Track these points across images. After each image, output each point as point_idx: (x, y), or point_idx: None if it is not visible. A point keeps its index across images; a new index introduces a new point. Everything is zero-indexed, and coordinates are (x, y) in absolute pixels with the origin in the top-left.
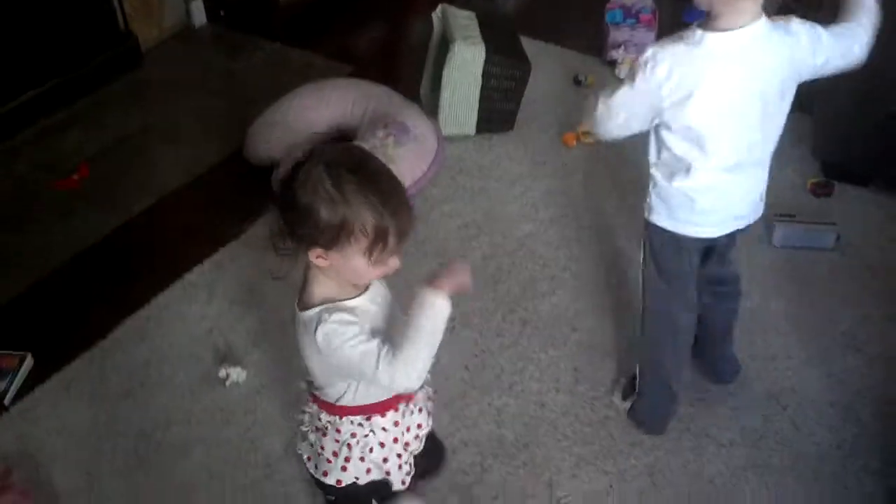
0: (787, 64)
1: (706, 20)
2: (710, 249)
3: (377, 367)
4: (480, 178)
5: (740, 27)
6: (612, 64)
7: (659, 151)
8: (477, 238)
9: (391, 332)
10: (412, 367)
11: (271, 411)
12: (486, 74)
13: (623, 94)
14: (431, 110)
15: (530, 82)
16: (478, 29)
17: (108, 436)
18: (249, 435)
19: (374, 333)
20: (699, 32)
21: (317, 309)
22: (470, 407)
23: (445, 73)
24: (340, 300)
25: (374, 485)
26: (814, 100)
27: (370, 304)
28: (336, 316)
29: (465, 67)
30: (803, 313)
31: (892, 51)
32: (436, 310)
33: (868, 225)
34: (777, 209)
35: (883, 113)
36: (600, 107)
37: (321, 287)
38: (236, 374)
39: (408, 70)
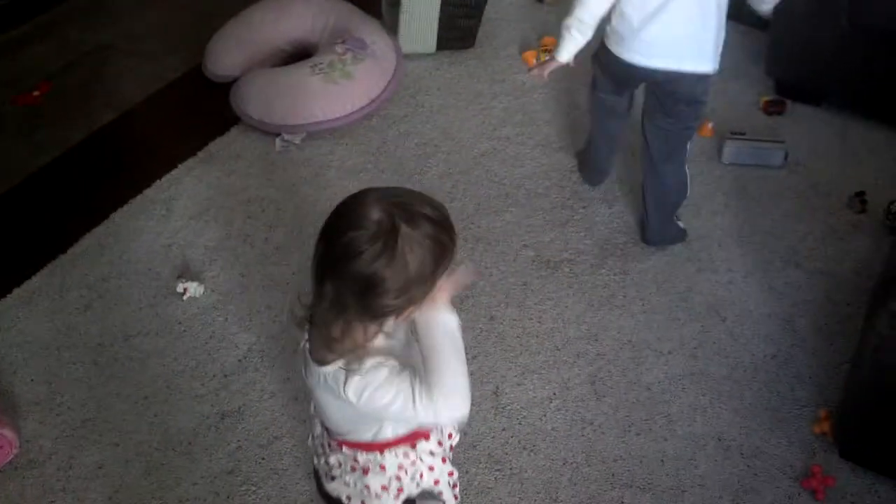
0: None
1: None
2: (653, 87)
3: (416, 408)
4: (439, 96)
5: None
6: None
7: None
8: (434, 156)
9: (413, 360)
10: (453, 396)
11: (228, 325)
12: None
13: None
14: (392, 27)
15: None
16: None
17: (68, 348)
18: (207, 347)
19: (402, 366)
20: None
21: (338, 363)
22: None
23: None
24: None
25: None
26: (768, 18)
27: (385, 338)
28: (364, 365)
29: None
30: (748, 228)
31: None
32: (447, 328)
33: (817, 143)
34: (728, 126)
35: (837, 31)
36: None
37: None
38: (194, 288)
39: None
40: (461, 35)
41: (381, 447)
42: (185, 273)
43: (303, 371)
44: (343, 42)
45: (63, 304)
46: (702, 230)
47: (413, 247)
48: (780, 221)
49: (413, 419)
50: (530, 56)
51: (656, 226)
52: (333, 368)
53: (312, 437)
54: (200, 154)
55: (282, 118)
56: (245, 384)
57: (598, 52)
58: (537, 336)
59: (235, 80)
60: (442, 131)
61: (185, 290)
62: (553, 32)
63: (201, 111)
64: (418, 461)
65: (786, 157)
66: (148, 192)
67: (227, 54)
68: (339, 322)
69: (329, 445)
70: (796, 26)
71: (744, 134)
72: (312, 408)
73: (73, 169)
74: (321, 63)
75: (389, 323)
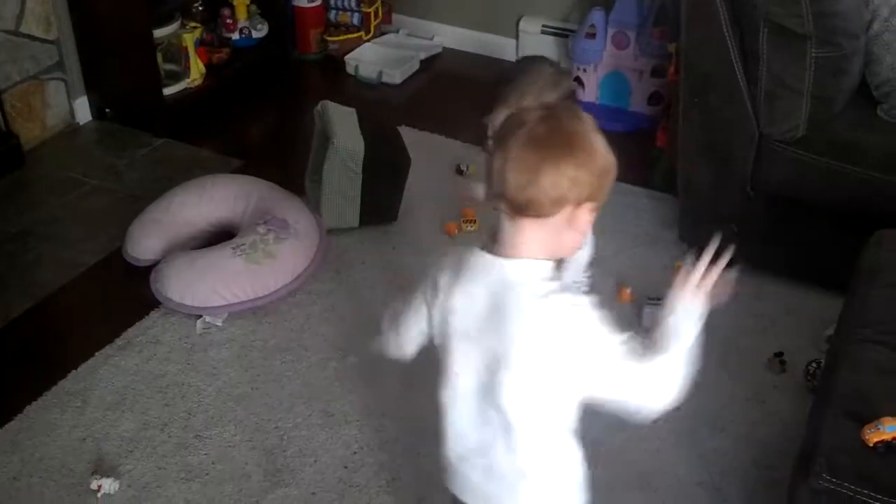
0: None
1: None
2: None
3: None
4: (363, 271)
5: None
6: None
7: None
8: (360, 332)
9: None
10: None
11: None
12: (366, 169)
13: None
14: (315, 203)
15: (414, 172)
16: (357, 125)
17: None
18: None
19: None
20: None
21: None
22: None
23: (325, 168)
24: None
25: None
26: (676, 185)
27: None
28: None
29: (345, 163)
30: None
31: (739, 135)
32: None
33: (732, 305)
34: (647, 292)
35: (742, 199)
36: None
37: None
38: (108, 484)
39: (296, 163)
40: (384, 210)
41: None
42: (100, 468)
43: None
44: (265, 222)
45: None
46: None
47: None
48: (702, 386)
49: None
50: (452, 227)
51: None
52: None
53: None
54: (118, 341)
55: (203, 300)
56: None
57: None
58: None
59: (156, 263)
60: (367, 306)
61: (99, 487)
62: (473, 204)
63: (120, 296)
64: None
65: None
66: (63, 383)
67: (147, 238)
68: None
69: None
70: (703, 195)
71: (661, 299)
72: None
73: None
74: (243, 244)
75: None
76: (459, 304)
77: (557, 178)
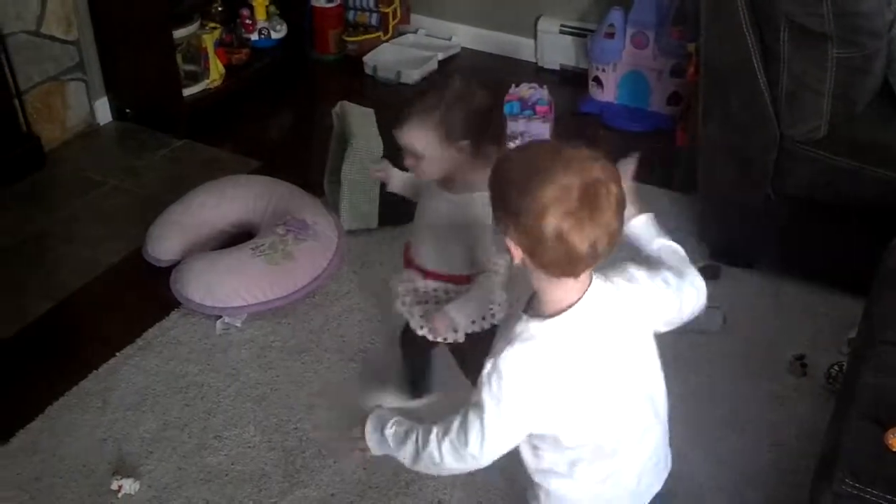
0: None
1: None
2: None
3: None
4: (382, 271)
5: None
6: None
7: None
8: (378, 332)
9: None
10: None
11: None
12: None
13: None
14: (334, 204)
15: None
16: (375, 125)
17: None
18: None
19: None
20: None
21: None
22: None
23: (344, 169)
24: None
25: None
26: (695, 185)
27: None
28: None
29: (363, 163)
30: (687, 396)
31: (760, 136)
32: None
33: (753, 307)
34: None
35: (762, 199)
36: None
37: None
38: (129, 485)
39: (315, 163)
40: (403, 210)
41: None
42: (121, 468)
43: None
44: (284, 223)
45: None
46: None
47: None
48: (719, 387)
49: None
50: None
51: None
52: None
53: None
54: (139, 341)
55: (223, 301)
56: None
57: None
58: None
59: (176, 263)
60: (386, 307)
61: (119, 487)
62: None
63: (140, 297)
64: None
65: (724, 321)
66: (84, 383)
67: (167, 238)
68: None
69: None
70: (724, 195)
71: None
72: None
73: (8, 363)
74: (262, 245)
75: None
76: (590, 385)
77: (618, 201)
